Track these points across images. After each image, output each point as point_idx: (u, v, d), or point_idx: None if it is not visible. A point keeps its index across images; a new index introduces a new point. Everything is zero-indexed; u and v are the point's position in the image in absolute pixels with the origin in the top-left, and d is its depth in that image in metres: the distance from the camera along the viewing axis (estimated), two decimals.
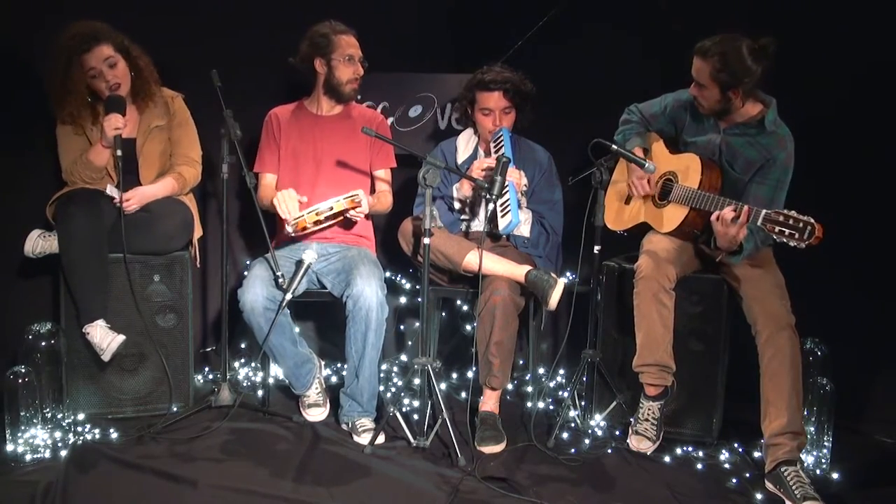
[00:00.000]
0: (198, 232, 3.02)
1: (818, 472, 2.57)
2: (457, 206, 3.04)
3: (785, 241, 2.27)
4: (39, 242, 2.77)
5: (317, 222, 2.77)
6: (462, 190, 3.01)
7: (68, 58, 2.68)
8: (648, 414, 2.67)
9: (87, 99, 2.77)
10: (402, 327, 3.60)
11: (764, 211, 2.34)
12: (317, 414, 2.90)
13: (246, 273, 2.84)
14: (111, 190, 2.74)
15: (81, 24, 2.71)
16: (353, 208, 2.78)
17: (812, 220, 2.22)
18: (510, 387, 3.21)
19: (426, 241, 2.61)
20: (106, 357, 2.66)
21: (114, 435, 2.67)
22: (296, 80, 3.17)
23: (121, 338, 2.66)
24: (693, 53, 2.56)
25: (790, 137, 2.60)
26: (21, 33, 3.01)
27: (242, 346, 3.43)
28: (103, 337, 2.64)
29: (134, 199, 2.75)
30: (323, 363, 3.11)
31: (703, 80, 2.55)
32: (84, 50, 2.68)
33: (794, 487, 2.34)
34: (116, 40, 2.75)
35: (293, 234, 2.81)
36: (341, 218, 2.86)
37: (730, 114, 2.63)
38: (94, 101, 2.80)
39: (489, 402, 2.83)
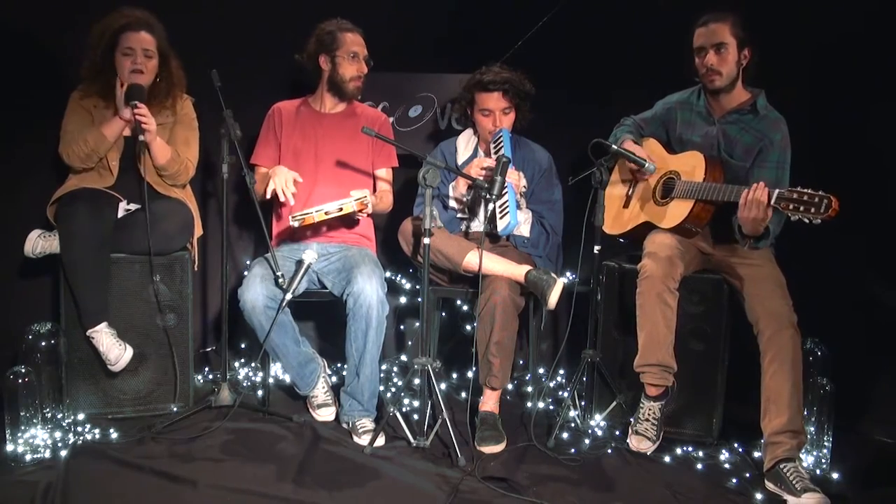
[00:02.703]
0: (198, 231, 3.02)
1: (818, 472, 2.57)
2: (452, 204, 3.04)
3: (800, 216, 2.28)
4: (39, 242, 2.77)
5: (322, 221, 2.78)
6: (458, 188, 3.01)
7: (114, 32, 2.74)
8: (649, 414, 2.67)
9: (108, 77, 2.78)
10: (402, 327, 3.61)
11: (777, 190, 2.34)
12: (327, 414, 2.90)
13: (246, 273, 2.84)
14: (123, 210, 2.78)
15: (139, 9, 2.78)
16: (361, 210, 2.79)
17: (827, 194, 2.23)
18: (510, 387, 3.21)
19: (426, 241, 2.61)
20: (116, 369, 2.69)
21: (114, 435, 2.66)
22: (298, 79, 3.18)
23: (130, 352, 2.69)
24: (701, 25, 2.67)
25: (783, 120, 2.66)
26: (22, 33, 3.02)
27: (242, 346, 3.44)
28: (110, 346, 2.66)
29: (151, 122, 2.72)
30: (326, 363, 3.11)
31: (725, 37, 2.64)
32: (131, 28, 2.75)
33: (793, 481, 2.35)
34: (162, 40, 2.82)
35: (297, 227, 2.79)
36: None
37: (732, 90, 2.69)
38: (111, 86, 2.80)
39: (489, 402, 2.83)
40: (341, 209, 2.73)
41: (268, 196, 2.82)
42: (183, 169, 2.91)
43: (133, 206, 2.80)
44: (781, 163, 2.63)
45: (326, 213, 2.73)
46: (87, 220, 2.65)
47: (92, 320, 2.66)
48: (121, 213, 2.78)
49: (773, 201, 2.34)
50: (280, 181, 2.78)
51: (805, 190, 2.27)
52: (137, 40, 2.76)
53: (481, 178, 2.83)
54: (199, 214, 3.02)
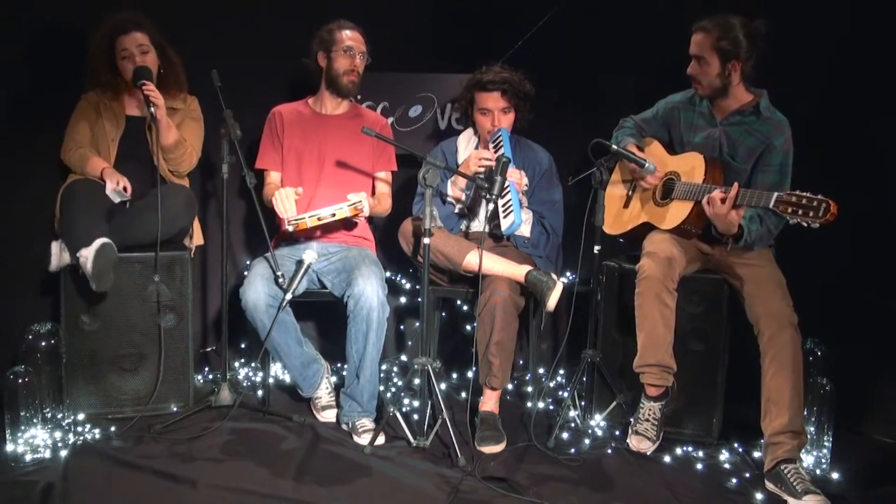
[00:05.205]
0: (198, 240, 3.03)
1: (818, 472, 2.57)
2: (450, 199, 3.03)
3: (798, 220, 2.27)
4: (64, 256, 2.69)
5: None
6: (457, 182, 3.00)
7: (110, 36, 2.83)
8: (649, 414, 2.67)
9: (116, 79, 2.88)
10: (402, 327, 3.60)
11: (776, 193, 2.34)
12: (331, 416, 2.89)
13: (246, 273, 2.84)
14: (112, 192, 2.75)
15: (129, 11, 2.86)
16: (355, 215, 2.79)
17: (826, 198, 2.22)
18: (510, 387, 3.21)
19: (426, 241, 2.61)
20: (89, 268, 2.51)
21: (114, 435, 2.66)
22: (298, 80, 3.18)
23: (101, 240, 2.53)
24: (692, 32, 2.64)
25: (786, 123, 2.64)
26: (22, 32, 3.02)
27: (242, 346, 3.44)
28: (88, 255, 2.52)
29: (159, 97, 2.76)
30: (329, 365, 3.10)
31: (704, 52, 2.61)
32: (122, 31, 2.82)
33: (794, 483, 2.35)
34: (154, 34, 2.88)
35: (292, 231, 2.80)
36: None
37: (726, 96, 2.67)
38: (119, 85, 2.89)
39: (489, 402, 2.83)
40: (334, 215, 2.74)
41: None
42: (186, 155, 2.93)
43: (128, 196, 2.80)
44: (784, 166, 2.62)
45: (319, 219, 2.73)
46: (86, 181, 2.77)
47: (89, 240, 2.54)
48: (117, 200, 2.76)
49: (772, 204, 2.34)
50: (280, 206, 2.79)
51: (804, 193, 2.26)
52: (131, 41, 2.82)
53: (481, 170, 2.83)
54: (199, 225, 3.05)
